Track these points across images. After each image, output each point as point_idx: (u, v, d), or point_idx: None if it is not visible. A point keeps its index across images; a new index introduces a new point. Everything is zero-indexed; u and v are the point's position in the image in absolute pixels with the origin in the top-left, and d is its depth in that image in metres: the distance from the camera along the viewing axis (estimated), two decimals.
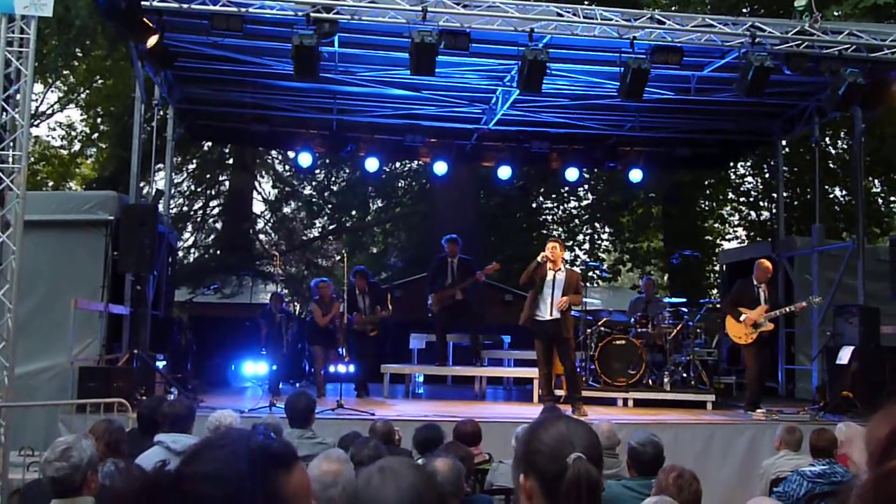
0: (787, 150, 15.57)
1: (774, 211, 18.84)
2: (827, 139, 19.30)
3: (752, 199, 23.19)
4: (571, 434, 1.81)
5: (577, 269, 10.22)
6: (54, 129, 24.89)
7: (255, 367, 11.94)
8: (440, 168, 13.56)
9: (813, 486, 4.91)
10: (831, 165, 20.04)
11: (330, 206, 24.73)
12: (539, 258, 9.45)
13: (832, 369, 10.39)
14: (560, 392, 10.07)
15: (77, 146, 24.71)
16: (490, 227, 21.39)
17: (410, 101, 12.09)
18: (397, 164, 22.88)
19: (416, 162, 20.87)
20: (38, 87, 21.61)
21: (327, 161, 21.99)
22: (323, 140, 13.28)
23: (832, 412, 9.50)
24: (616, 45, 9.37)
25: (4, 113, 7.88)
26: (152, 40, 8.90)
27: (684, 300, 12.13)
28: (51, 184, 23.05)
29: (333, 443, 5.54)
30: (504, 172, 13.74)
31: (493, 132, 12.92)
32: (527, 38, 8.86)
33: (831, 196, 20.49)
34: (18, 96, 8.07)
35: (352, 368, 11.20)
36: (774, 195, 17.94)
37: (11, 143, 7.88)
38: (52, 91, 23.55)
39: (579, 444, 1.78)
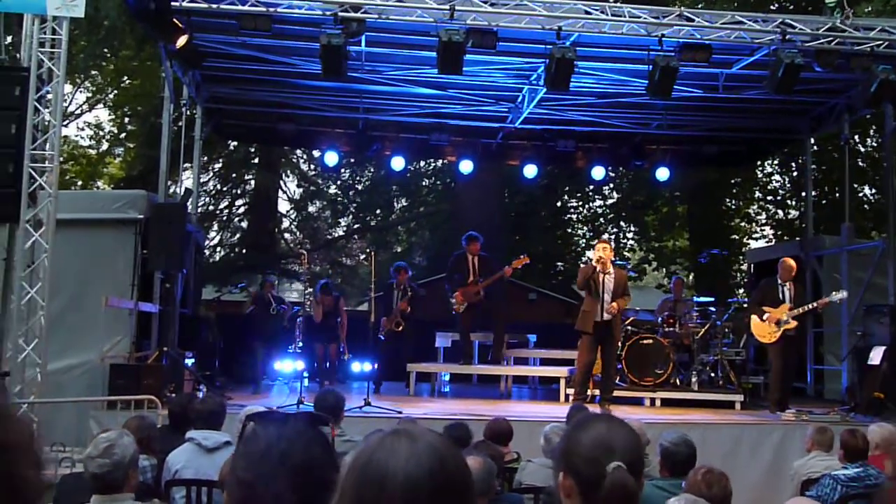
0: (815, 147, 15.39)
1: (802, 210, 18.70)
2: (856, 137, 19.09)
3: (779, 198, 22.98)
4: (612, 438, 1.80)
5: (625, 266, 10.18)
6: (83, 129, 25.14)
7: (282, 365, 12.01)
8: (465, 167, 13.55)
9: (847, 490, 4.86)
10: (860, 164, 19.80)
11: (355, 205, 24.80)
12: (595, 261, 9.48)
13: (862, 370, 10.28)
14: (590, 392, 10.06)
15: (105, 146, 24.93)
16: (515, 226, 21.35)
17: (437, 99, 12.10)
18: (422, 163, 22.90)
19: (441, 161, 20.87)
20: (68, 88, 21.80)
21: (352, 160, 22.05)
22: (349, 139, 13.33)
23: (863, 413, 9.40)
24: (644, 43, 9.31)
25: (37, 113, 7.97)
26: (181, 40, 8.96)
27: (712, 299, 12.04)
28: (79, 183, 23.24)
29: (361, 441, 5.56)
30: (529, 171, 13.71)
31: (519, 131, 12.89)
32: (554, 36, 8.83)
33: (860, 195, 20.26)
34: (50, 96, 8.17)
35: (366, 366, 11.30)
36: (802, 194, 17.80)
37: (44, 143, 7.97)
38: (80, 91, 23.78)
39: (620, 450, 1.77)
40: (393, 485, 1.32)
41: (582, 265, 9.59)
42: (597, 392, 9.90)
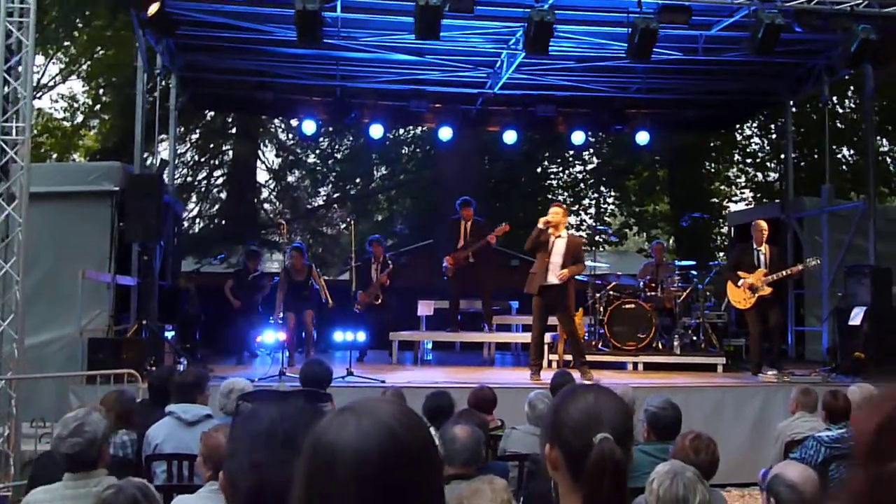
0: (794, 109, 15.38)
1: (781, 172, 18.73)
2: (834, 98, 19.10)
3: (758, 161, 23.01)
4: (600, 408, 1.76)
5: (580, 235, 10.04)
6: (56, 102, 24.74)
7: (264, 336, 11.95)
8: (445, 133, 13.46)
9: (830, 451, 4.87)
10: (839, 125, 19.84)
11: (334, 174, 24.60)
12: (541, 224, 9.23)
13: (843, 330, 10.34)
14: (555, 357, 10.14)
15: (80, 118, 24.55)
16: (495, 193, 21.26)
17: (414, 66, 11.95)
18: (401, 131, 22.72)
19: (420, 128, 20.72)
20: (40, 59, 21.43)
21: (331, 129, 21.85)
22: (326, 107, 13.18)
23: (844, 373, 9.49)
24: (623, 5, 9.21)
25: (6, 85, 7.79)
26: (153, 8, 8.79)
27: (693, 263, 12.07)
28: (55, 156, 22.91)
29: None
30: (509, 137, 13.63)
31: (499, 96, 12.77)
32: None
33: (839, 156, 20.31)
34: (20, 68, 7.98)
35: (349, 336, 11.22)
36: (781, 156, 17.82)
37: (14, 115, 7.81)
38: (53, 63, 23.37)
39: (607, 421, 1.73)
40: (343, 461, 1.29)
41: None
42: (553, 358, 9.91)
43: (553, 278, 9.16)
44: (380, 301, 11.55)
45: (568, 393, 1.83)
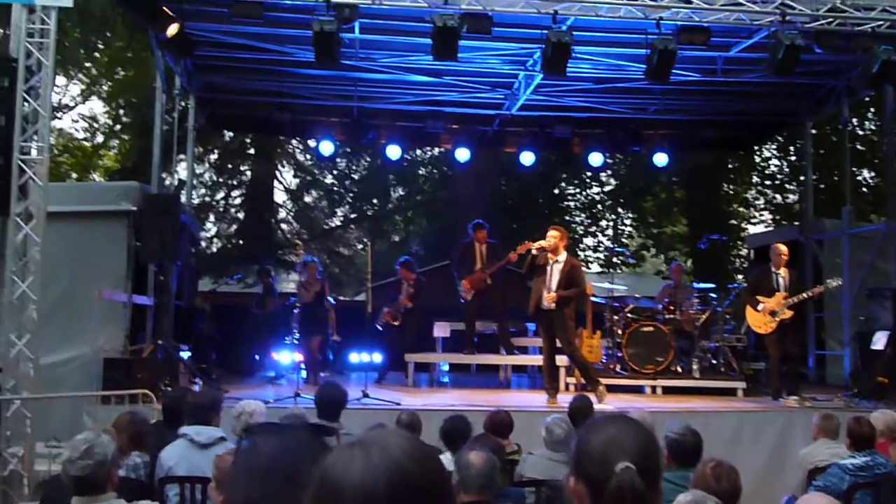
0: (813, 131, 15.28)
1: (800, 194, 18.59)
2: (854, 119, 18.97)
3: (777, 182, 22.88)
4: (622, 438, 1.70)
5: (576, 260, 9.83)
6: (77, 122, 24.96)
7: (280, 356, 11.91)
8: (462, 154, 13.45)
9: (855, 479, 4.76)
10: (859, 146, 19.69)
11: (351, 194, 24.66)
12: (534, 248, 9.10)
13: (866, 354, 10.19)
14: (573, 380, 10.12)
15: (100, 138, 24.75)
16: (512, 214, 21.23)
17: (432, 87, 11.97)
18: (418, 152, 22.76)
19: (437, 149, 20.74)
20: (61, 80, 21.64)
21: (348, 149, 21.91)
22: (344, 128, 13.22)
23: (867, 399, 9.31)
24: (642, 26, 9.16)
25: (26, 104, 7.83)
26: (172, 29, 8.85)
27: (712, 286, 11.95)
28: (74, 176, 23.09)
29: None
30: (526, 158, 13.62)
31: (516, 118, 12.79)
32: (550, 20, 8.67)
33: (859, 178, 20.16)
34: (40, 88, 8.02)
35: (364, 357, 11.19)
36: (801, 178, 17.68)
37: (33, 135, 7.84)
38: (74, 83, 23.60)
39: (630, 451, 1.67)
40: (349, 498, 1.25)
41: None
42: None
43: (546, 303, 9.04)
44: (398, 323, 11.49)
45: (591, 424, 1.78)
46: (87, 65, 21.52)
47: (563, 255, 9.17)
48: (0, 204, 7.51)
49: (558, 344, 9.33)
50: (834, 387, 11.11)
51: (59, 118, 22.79)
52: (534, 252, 9.07)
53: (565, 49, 8.71)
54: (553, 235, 9.12)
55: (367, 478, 1.25)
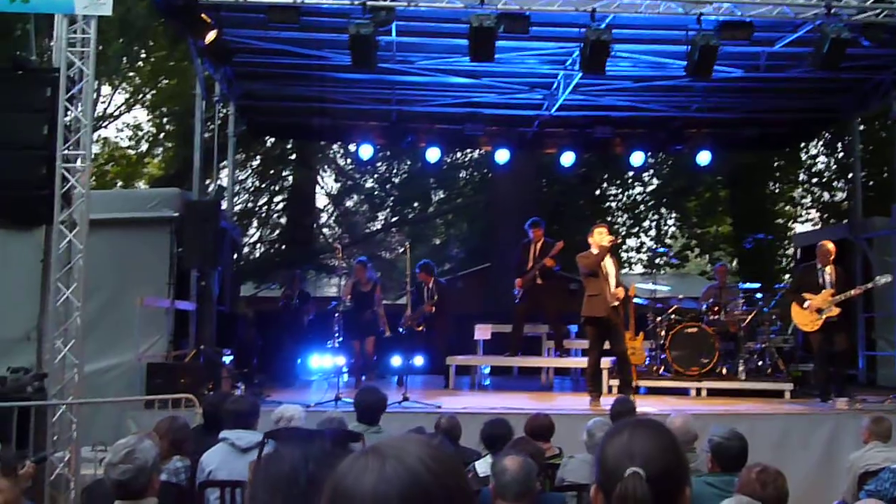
0: (861, 126, 14.93)
1: (848, 191, 18.20)
2: None
3: (824, 180, 22.43)
4: (633, 445, 1.67)
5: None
6: (122, 130, 25.35)
7: (321, 361, 11.95)
8: (501, 156, 13.39)
9: None
10: None
11: (392, 198, 24.71)
12: (606, 243, 9.03)
13: None
14: (614, 383, 9.88)
15: (144, 146, 25.12)
16: (552, 216, 21.07)
17: (470, 88, 11.93)
18: (458, 155, 22.73)
19: (477, 151, 20.68)
20: (106, 90, 21.99)
21: (388, 153, 21.97)
22: (383, 132, 13.23)
23: None
24: (682, 23, 9.02)
25: (68, 113, 7.93)
26: (210, 36, 8.91)
27: (758, 286, 11.72)
28: (119, 184, 23.45)
29: None
30: (567, 159, 13.51)
31: (555, 118, 12.66)
32: (588, 18, 8.59)
33: None
34: (81, 96, 8.13)
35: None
36: (849, 175, 17.30)
37: (76, 144, 7.94)
38: (119, 92, 23.97)
39: (641, 457, 1.63)
40: None
41: (582, 253, 9.14)
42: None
43: (613, 300, 8.99)
44: (421, 329, 11.38)
45: (610, 431, 1.76)
46: (131, 74, 21.85)
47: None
48: (44, 212, 7.63)
49: (606, 346, 9.26)
50: (885, 388, 10.82)
51: (105, 127, 23.17)
52: (607, 245, 9.01)
53: (604, 47, 8.62)
54: (605, 230, 9.13)
55: (380, 488, 1.21)
